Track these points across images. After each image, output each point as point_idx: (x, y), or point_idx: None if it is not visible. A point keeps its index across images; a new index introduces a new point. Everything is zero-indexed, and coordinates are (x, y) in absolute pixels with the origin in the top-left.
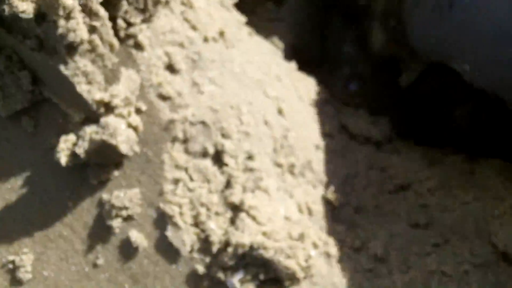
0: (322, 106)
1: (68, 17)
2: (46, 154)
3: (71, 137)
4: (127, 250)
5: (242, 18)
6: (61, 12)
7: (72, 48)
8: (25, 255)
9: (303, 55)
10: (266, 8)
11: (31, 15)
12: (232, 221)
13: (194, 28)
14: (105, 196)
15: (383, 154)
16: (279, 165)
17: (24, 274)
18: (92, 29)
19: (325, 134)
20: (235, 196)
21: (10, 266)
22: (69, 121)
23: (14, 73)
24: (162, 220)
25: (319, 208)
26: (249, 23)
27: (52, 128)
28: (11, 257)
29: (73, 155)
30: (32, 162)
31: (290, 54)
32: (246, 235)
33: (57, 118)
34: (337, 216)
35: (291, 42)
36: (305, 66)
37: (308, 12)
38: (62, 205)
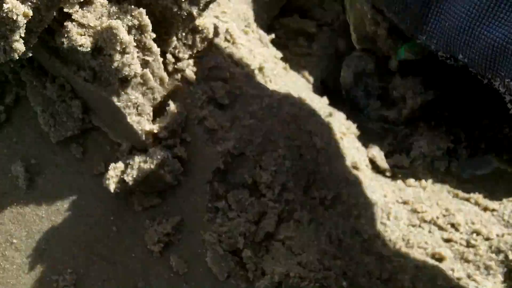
0: (351, 140)
1: (123, 51)
2: (93, 179)
3: (120, 165)
4: (168, 274)
5: (278, 53)
6: (117, 47)
7: (125, 81)
8: (68, 275)
9: (330, 88)
10: (298, 43)
11: (88, 49)
12: (268, 250)
13: (236, 63)
14: (148, 222)
15: (409, 188)
16: (311, 197)
17: None
18: (144, 64)
19: (354, 168)
20: (271, 226)
21: (54, 285)
22: (116, 149)
23: (66, 101)
24: (202, 247)
25: (349, 240)
26: (282, 57)
27: (99, 155)
28: (54, 277)
29: (121, 182)
30: (79, 187)
31: (319, 87)
32: (282, 264)
33: (104, 146)
34: (365, 247)
35: (320, 76)
36: (332, 99)
37: (336, 47)
38: (106, 229)
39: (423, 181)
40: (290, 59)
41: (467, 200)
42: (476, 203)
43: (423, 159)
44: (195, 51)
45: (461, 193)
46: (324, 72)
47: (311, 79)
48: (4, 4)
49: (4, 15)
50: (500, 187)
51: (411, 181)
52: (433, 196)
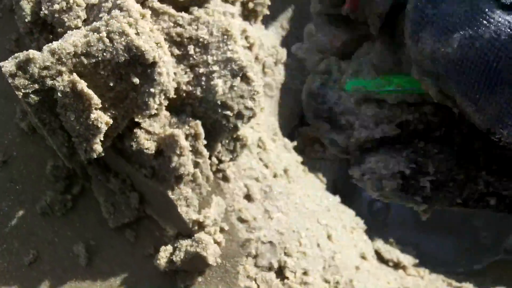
0: (360, 234)
1: (180, 154)
2: (143, 260)
3: (169, 247)
4: None
5: (299, 158)
6: (177, 151)
7: (179, 178)
8: None
9: (340, 188)
10: (313, 149)
11: (152, 152)
12: None
13: (266, 166)
14: None
15: (409, 277)
16: (327, 281)
17: None
18: (195, 165)
19: (363, 257)
20: None
21: None
22: (164, 235)
23: (125, 193)
24: None
25: None
26: (302, 161)
27: (150, 239)
28: None
29: (169, 262)
30: (131, 266)
31: (331, 187)
32: None
33: (154, 231)
34: None
35: (332, 178)
36: (342, 197)
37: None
38: None
39: (421, 271)
40: (307, 163)
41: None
42: None
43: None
44: (235, 155)
45: (454, 283)
46: (336, 174)
47: (324, 180)
48: (91, 114)
49: (90, 123)
50: (488, 278)
51: (411, 270)
52: (429, 285)
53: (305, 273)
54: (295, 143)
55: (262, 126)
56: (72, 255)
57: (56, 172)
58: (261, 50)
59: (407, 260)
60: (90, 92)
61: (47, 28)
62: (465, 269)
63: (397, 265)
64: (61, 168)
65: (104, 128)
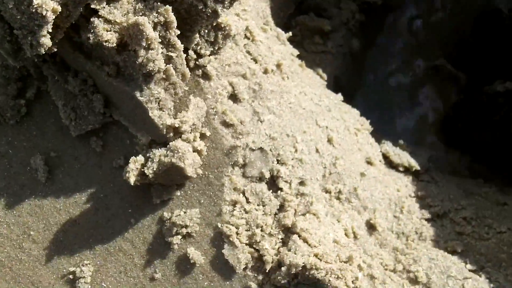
0: (365, 136)
1: (148, 47)
2: (112, 173)
3: (140, 158)
4: (184, 266)
5: (295, 51)
6: (143, 43)
7: (148, 76)
8: (85, 267)
9: (344, 85)
10: (313, 41)
11: (114, 45)
12: (285, 242)
13: (255, 60)
14: (166, 214)
15: (421, 183)
16: (327, 191)
17: (84, 285)
18: (168, 59)
19: (369, 163)
20: (288, 219)
21: (71, 276)
22: (135, 143)
23: (87, 96)
24: (219, 239)
25: (363, 233)
26: (298, 55)
27: (119, 149)
28: (71, 268)
29: (141, 175)
30: (98, 180)
31: (333, 84)
32: (298, 256)
33: (124, 139)
34: (380, 240)
35: (334, 73)
36: (345, 96)
37: (350, 47)
38: (124, 221)
39: (435, 175)
40: (305, 57)
41: (479, 194)
42: (487, 197)
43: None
44: (216, 48)
45: (472, 187)
46: (339, 70)
47: (325, 76)
48: (33, 0)
49: (34, 10)
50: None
51: (424, 176)
52: (445, 191)
53: (301, 183)
54: (290, 33)
55: (250, 13)
56: (30, 169)
57: (6, 72)
58: None
59: (419, 163)
60: None
61: None
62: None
63: (407, 170)
64: (11, 69)
65: (51, 16)
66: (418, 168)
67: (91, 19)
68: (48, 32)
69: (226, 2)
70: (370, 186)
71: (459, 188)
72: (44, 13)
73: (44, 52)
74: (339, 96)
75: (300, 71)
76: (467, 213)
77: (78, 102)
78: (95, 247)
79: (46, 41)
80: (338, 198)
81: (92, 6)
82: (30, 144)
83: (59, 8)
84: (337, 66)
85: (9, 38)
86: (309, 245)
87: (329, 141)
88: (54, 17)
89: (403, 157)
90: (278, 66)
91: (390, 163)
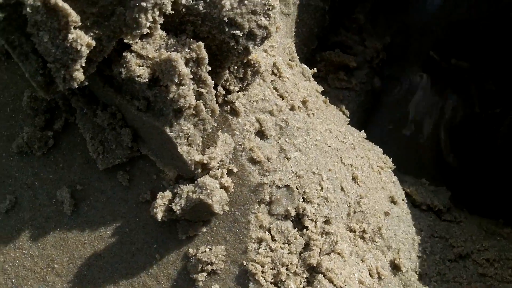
0: (388, 174)
1: (180, 83)
2: (138, 207)
3: (168, 193)
4: None
5: (319, 87)
6: (175, 79)
7: (178, 112)
8: None
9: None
10: (337, 77)
11: (146, 80)
12: (310, 282)
13: (282, 96)
14: (191, 250)
15: (443, 223)
16: (352, 230)
17: None
18: (198, 95)
19: (392, 202)
20: (313, 258)
21: None
22: (162, 178)
23: (116, 129)
24: (244, 277)
25: (388, 273)
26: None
27: (145, 183)
28: None
29: (168, 211)
30: (124, 214)
31: (356, 121)
32: None
33: (151, 174)
34: (403, 281)
35: (357, 110)
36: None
37: (372, 85)
38: (149, 256)
39: (457, 215)
40: (328, 92)
41: (501, 235)
42: (509, 238)
43: None
44: (245, 84)
45: (493, 227)
46: (361, 107)
47: (347, 112)
48: (69, 34)
49: (68, 44)
50: None
51: (446, 215)
52: (467, 231)
53: (327, 222)
54: (314, 70)
55: (277, 49)
56: (56, 201)
57: (35, 104)
58: None
59: (442, 202)
60: (66, 6)
61: None
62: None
63: (430, 209)
64: (40, 100)
65: (85, 51)
66: (441, 207)
67: (124, 54)
68: (81, 66)
69: (258, 40)
70: (393, 226)
71: (481, 228)
72: (78, 47)
73: (76, 86)
74: (363, 133)
75: (324, 107)
76: (489, 255)
77: (106, 136)
78: (119, 282)
79: (79, 75)
80: (362, 238)
81: (125, 41)
82: (57, 176)
83: (94, 43)
84: (360, 103)
85: (42, 71)
86: (335, 285)
87: (354, 179)
88: (88, 51)
89: (426, 196)
90: (304, 102)
91: (413, 202)
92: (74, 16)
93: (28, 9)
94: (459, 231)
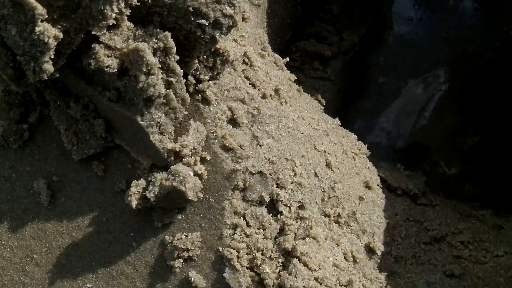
0: (363, 160)
1: (149, 72)
2: (114, 196)
3: (142, 182)
4: None
5: (293, 76)
6: (143, 69)
7: (149, 101)
8: None
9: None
10: (312, 66)
11: (115, 70)
12: (285, 266)
13: (253, 85)
14: (167, 238)
15: (419, 207)
16: (326, 215)
17: None
18: (168, 84)
19: (367, 187)
20: (288, 242)
21: None
22: (137, 167)
23: (89, 120)
24: (220, 263)
25: (362, 257)
26: (296, 80)
27: (120, 173)
28: None
29: (143, 199)
30: (100, 204)
31: (331, 109)
32: (299, 279)
33: (126, 164)
34: (378, 264)
35: (333, 99)
36: (343, 121)
37: (349, 73)
38: (126, 245)
39: (432, 199)
40: (304, 82)
41: (475, 217)
42: (484, 221)
43: None
44: (215, 73)
45: (469, 210)
46: (337, 96)
47: (323, 101)
48: (36, 27)
49: (36, 37)
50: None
51: (421, 199)
52: (442, 214)
53: (301, 207)
54: (287, 59)
55: (248, 39)
56: (33, 192)
57: (9, 98)
58: None
59: (417, 186)
60: (32, 0)
61: None
62: None
63: (405, 193)
64: (14, 94)
65: (53, 43)
66: (416, 191)
67: (92, 45)
68: (50, 58)
69: (224, 28)
70: (368, 210)
71: (456, 211)
72: (46, 39)
73: (46, 78)
74: (337, 121)
75: (298, 96)
76: (464, 237)
77: (80, 127)
78: (97, 270)
79: (49, 67)
80: (337, 222)
81: (93, 33)
82: (33, 168)
83: (61, 35)
84: (336, 91)
85: (12, 64)
86: (309, 269)
87: (328, 165)
88: (56, 43)
89: (401, 180)
90: (276, 91)
91: (388, 187)
92: (41, 9)
93: None
94: (434, 214)
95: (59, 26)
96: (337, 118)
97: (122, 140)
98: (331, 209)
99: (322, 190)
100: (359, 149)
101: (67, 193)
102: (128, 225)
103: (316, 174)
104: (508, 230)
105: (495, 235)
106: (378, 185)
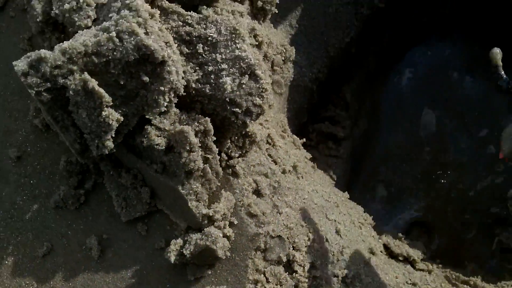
0: (368, 229)
1: (190, 150)
2: (154, 253)
3: (179, 241)
4: None
5: (308, 155)
6: (187, 147)
7: (189, 173)
8: None
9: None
10: (327, 146)
11: (163, 147)
12: None
13: (275, 162)
14: None
15: (417, 272)
16: (335, 275)
17: None
18: (205, 160)
19: (371, 252)
20: None
21: None
22: (175, 229)
23: (137, 188)
24: None
25: None
26: (312, 158)
27: (161, 233)
28: None
29: (180, 255)
30: (142, 259)
31: (342, 184)
32: None
33: (165, 225)
34: None
35: (343, 175)
36: (351, 195)
37: (360, 152)
38: None
39: (429, 265)
40: (318, 159)
41: (466, 282)
42: (475, 286)
43: None
44: (244, 151)
45: (461, 276)
46: (347, 173)
47: (335, 177)
48: (102, 112)
49: (102, 120)
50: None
51: (420, 264)
52: (437, 279)
53: (313, 267)
54: (304, 140)
55: (271, 122)
56: (85, 248)
57: (70, 167)
58: (270, 48)
59: (416, 254)
60: (101, 90)
61: (59, 28)
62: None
63: (406, 260)
64: (74, 164)
65: (115, 125)
66: (416, 258)
67: (145, 127)
68: (111, 137)
69: (254, 116)
70: (372, 273)
71: (449, 278)
72: (110, 122)
73: (107, 152)
74: (346, 194)
75: (312, 172)
76: None
77: (129, 193)
78: None
79: (110, 144)
80: (344, 282)
81: (147, 117)
82: (87, 227)
83: (122, 118)
84: (347, 170)
85: (79, 141)
86: None
87: (337, 232)
88: (117, 125)
89: (402, 247)
90: (294, 167)
91: (390, 254)
92: (107, 98)
93: (71, 92)
94: (430, 278)
95: (120, 111)
96: (346, 192)
97: (164, 206)
98: (339, 270)
99: (332, 253)
100: (365, 219)
101: (114, 249)
102: (165, 278)
103: (327, 240)
104: None
105: None
106: (381, 251)
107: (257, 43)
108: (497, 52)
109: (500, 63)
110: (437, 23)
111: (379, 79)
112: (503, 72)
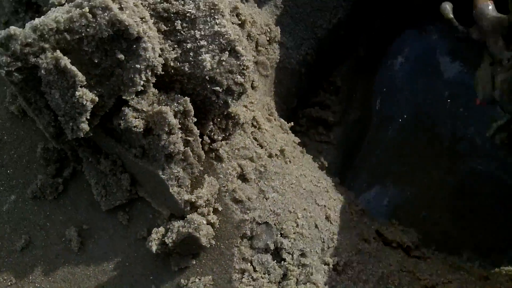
0: (359, 215)
1: (170, 132)
2: (136, 243)
3: (161, 229)
4: None
5: (296, 139)
6: (165, 128)
7: (169, 157)
8: None
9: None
10: (317, 131)
11: (141, 130)
12: None
13: (261, 145)
14: (183, 281)
15: (412, 259)
16: (325, 263)
17: None
18: (186, 143)
19: (364, 239)
20: (290, 287)
21: None
22: (157, 217)
23: (116, 175)
24: None
25: None
26: (301, 143)
27: (143, 222)
28: None
29: (162, 245)
30: (124, 249)
31: (333, 170)
32: None
33: (147, 214)
34: None
35: (334, 162)
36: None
37: (352, 139)
38: (146, 286)
39: (424, 252)
40: (309, 145)
41: (463, 269)
42: (471, 272)
43: None
44: (227, 134)
45: (458, 263)
46: (338, 159)
47: (325, 163)
48: (76, 92)
49: (76, 100)
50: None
51: (414, 251)
52: (433, 266)
53: (302, 255)
54: (291, 124)
55: (257, 105)
56: (64, 239)
57: (47, 155)
58: (253, 28)
59: (411, 240)
60: (74, 68)
61: (32, 7)
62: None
63: (400, 246)
64: (51, 151)
65: (89, 106)
66: (410, 244)
67: (122, 108)
68: (86, 119)
69: (235, 95)
70: (364, 260)
71: (446, 263)
72: (84, 102)
73: (82, 136)
74: (336, 180)
75: (301, 156)
76: (453, 286)
77: (108, 181)
78: None
79: (85, 126)
80: (335, 270)
81: (123, 97)
82: (66, 218)
83: (97, 99)
84: (338, 154)
85: (53, 124)
86: None
87: (327, 218)
88: (92, 106)
89: (396, 234)
90: (281, 151)
91: (384, 240)
92: (81, 77)
93: (43, 71)
94: (425, 266)
95: (95, 91)
96: (336, 178)
97: (145, 193)
98: (330, 258)
99: (322, 240)
100: (356, 205)
101: (95, 240)
102: (148, 269)
103: (316, 226)
104: (493, 280)
105: (481, 286)
106: (374, 238)
107: (239, 22)
108: (445, 7)
109: (451, 16)
110: (430, 5)
111: (371, 63)
112: (457, 24)
